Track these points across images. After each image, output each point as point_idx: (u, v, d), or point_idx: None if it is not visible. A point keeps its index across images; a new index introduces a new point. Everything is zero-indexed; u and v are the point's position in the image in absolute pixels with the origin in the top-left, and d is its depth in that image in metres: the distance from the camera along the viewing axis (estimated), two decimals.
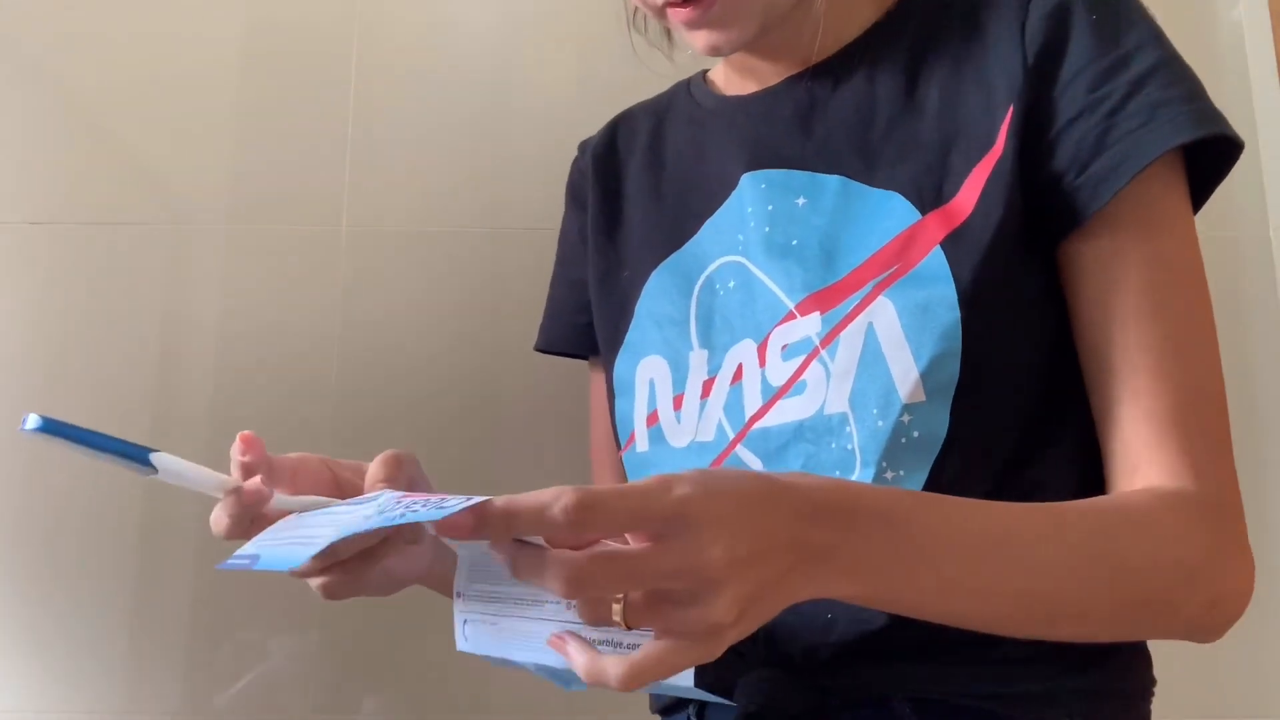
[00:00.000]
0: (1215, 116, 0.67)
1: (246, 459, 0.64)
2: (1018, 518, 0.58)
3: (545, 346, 0.97)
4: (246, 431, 0.65)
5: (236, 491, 0.62)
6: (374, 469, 0.67)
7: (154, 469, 0.58)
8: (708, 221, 0.80)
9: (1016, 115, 0.68)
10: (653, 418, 0.79)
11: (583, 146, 0.96)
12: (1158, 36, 0.68)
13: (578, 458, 1.09)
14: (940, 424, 0.65)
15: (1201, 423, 0.63)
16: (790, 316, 0.71)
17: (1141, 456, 0.63)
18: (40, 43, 1.18)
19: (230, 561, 0.53)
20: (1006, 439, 0.67)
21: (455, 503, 0.45)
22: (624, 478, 0.84)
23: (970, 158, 0.69)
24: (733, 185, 0.78)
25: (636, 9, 0.86)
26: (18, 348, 1.11)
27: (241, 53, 1.18)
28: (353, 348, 1.11)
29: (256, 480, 0.63)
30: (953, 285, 0.65)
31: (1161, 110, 0.65)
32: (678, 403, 0.77)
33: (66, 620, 1.06)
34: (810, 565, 0.50)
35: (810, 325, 0.70)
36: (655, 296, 0.81)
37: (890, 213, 0.70)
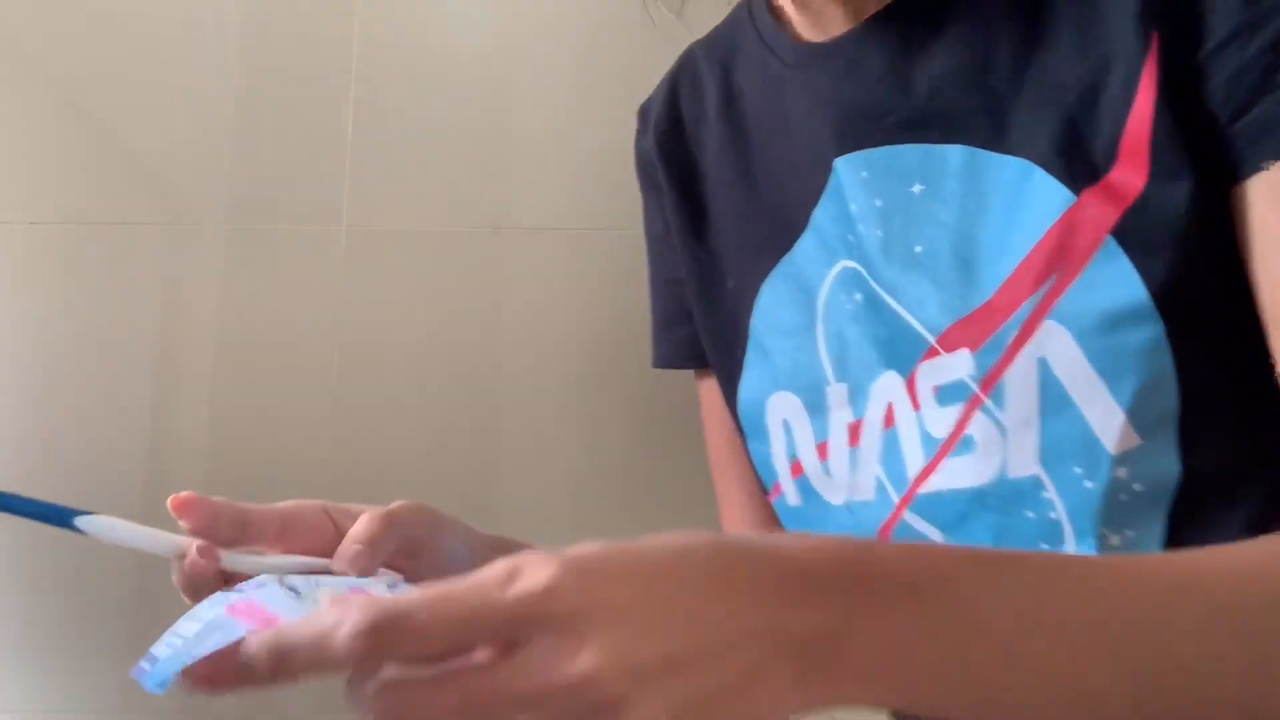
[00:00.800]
0: None
1: (186, 526, 0.53)
2: (1144, 579, 0.40)
3: (664, 363, 0.78)
4: (179, 495, 0.53)
5: (179, 559, 0.52)
6: (357, 528, 0.52)
7: (82, 532, 0.52)
8: (814, 212, 0.62)
9: (1163, 35, 0.49)
10: (797, 468, 0.64)
11: (643, 116, 0.76)
12: None
13: (577, 456, 1.09)
14: (1169, 468, 0.49)
15: None
16: (933, 352, 0.55)
17: None
18: (40, 42, 1.18)
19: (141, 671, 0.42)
20: (1255, 465, 0.50)
21: (235, 628, 0.37)
22: (756, 492, 0.71)
23: (1123, 104, 0.50)
24: (827, 171, 0.61)
25: None
26: (18, 347, 1.11)
27: (241, 53, 1.17)
28: (353, 348, 1.11)
29: (194, 549, 0.52)
30: (1143, 287, 0.48)
31: None
32: (823, 451, 0.62)
33: (66, 620, 1.06)
34: (797, 662, 0.35)
35: (961, 365, 0.54)
36: (771, 313, 0.64)
37: (1033, 194, 0.52)
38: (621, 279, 1.11)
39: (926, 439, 0.56)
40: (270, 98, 1.16)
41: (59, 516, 0.52)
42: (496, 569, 0.34)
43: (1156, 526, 0.50)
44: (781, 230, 0.64)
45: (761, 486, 0.68)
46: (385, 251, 1.13)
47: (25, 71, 1.18)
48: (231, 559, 0.51)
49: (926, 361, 0.55)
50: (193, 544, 0.51)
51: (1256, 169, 0.47)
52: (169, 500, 0.53)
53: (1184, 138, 0.48)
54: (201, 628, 0.40)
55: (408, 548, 0.54)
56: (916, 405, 0.56)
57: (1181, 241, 0.48)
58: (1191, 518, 0.50)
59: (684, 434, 1.08)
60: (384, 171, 1.15)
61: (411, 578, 0.53)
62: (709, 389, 0.74)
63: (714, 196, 0.70)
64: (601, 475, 1.09)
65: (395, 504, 0.54)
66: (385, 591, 0.45)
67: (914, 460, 0.57)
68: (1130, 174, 0.49)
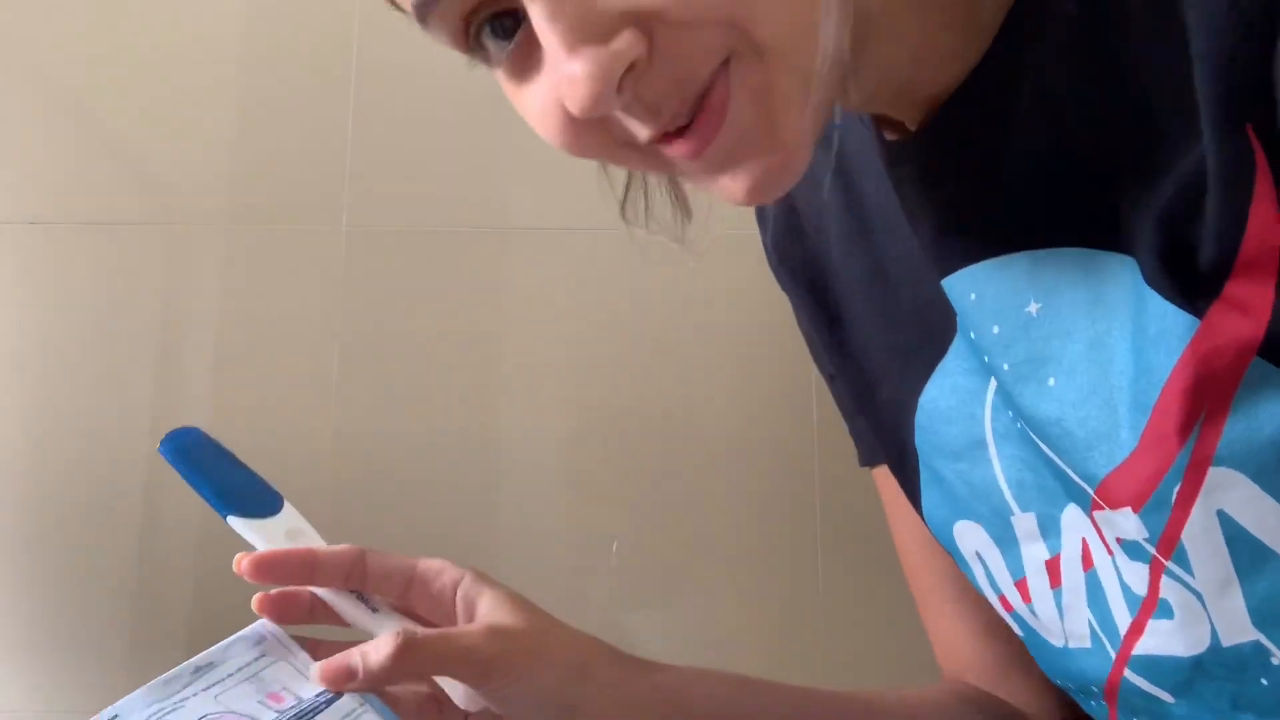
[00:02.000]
0: None
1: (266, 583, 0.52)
2: None
3: (866, 460, 0.69)
4: (252, 556, 0.53)
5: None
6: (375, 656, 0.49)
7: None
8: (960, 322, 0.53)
9: (1258, 126, 0.39)
10: (1004, 603, 0.57)
11: (759, 212, 0.68)
12: None
13: (577, 456, 1.09)
14: None
15: None
16: (1097, 505, 0.47)
17: None
18: (39, 42, 1.18)
19: None
20: None
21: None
22: (963, 594, 0.64)
23: (1233, 179, 0.40)
24: (933, 294, 0.53)
25: (627, 186, 0.56)
26: (17, 347, 1.11)
27: (241, 52, 1.17)
28: (353, 348, 1.11)
29: (254, 601, 0.54)
30: None
31: None
32: (1024, 590, 0.54)
33: (66, 620, 1.06)
34: None
35: (1130, 525, 0.46)
36: (934, 432, 0.56)
37: (1150, 313, 0.43)
38: (621, 279, 1.11)
39: (1127, 592, 0.48)
40: (270, 97, 1.16)
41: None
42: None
43: None
44: (929, 333, 0.54)
45: (970, 589, 0.60)
46: (385, 251, 1.13)
47: (25, 71, 1.18)
48: (324, 595, 0.52)
49: (1097, 513, 0.47)
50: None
51: None
52: (236, 563, 0.52)
53: None
54: None
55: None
56: (1110, 551, 0.48)
57: None
58: None
59: (684, 434, 1.08)
60: (384, 171, 1.15)
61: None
62: (888, 481, 0.65)
63: (847, 295, 0.61)
64: (601, 475, 1.09)
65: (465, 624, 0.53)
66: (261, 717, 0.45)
67: (1120, 614, 0.49)
68: (1257, 284, 0.40)
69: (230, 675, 0.47)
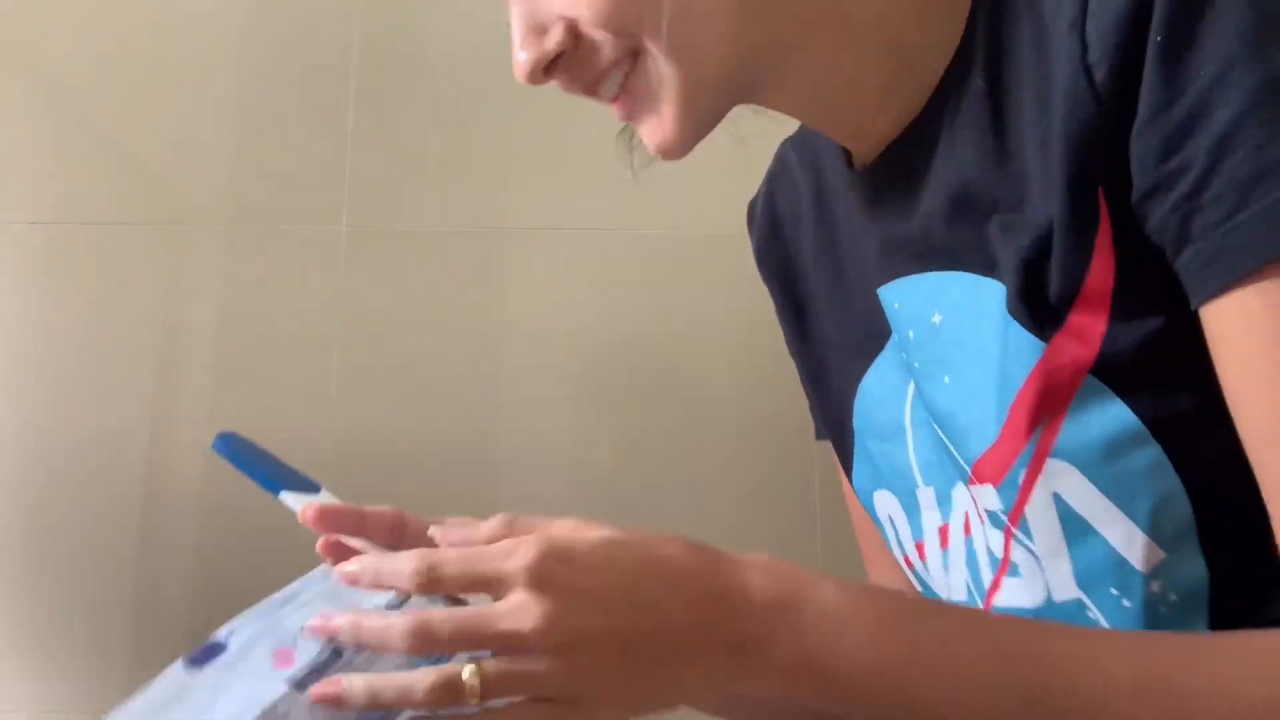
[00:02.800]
0: None
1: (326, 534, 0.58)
2: (1047, 647, 0.47)
3: (819, 434, 0.80)
4: (315, 506, 0.58)
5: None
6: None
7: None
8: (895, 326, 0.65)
9: (1108, 190, 0.50)
10: (908, 561, 0.68)
11: (749, 215, 0.80)
12: (1255, 42, 0.45)
13: (576, 455, 1.09)
14: (1198, 575, 0.51)
15: None
16: (972, 482, 0.58)
17: None
18: (40, 43, 1.18)
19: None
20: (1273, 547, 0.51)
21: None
22: (890, 559, 0.73)
23: (1080, 258, 0.51)
24: (877, 300, 0.64)
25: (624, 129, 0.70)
26: (17, 347, 1.11)
27: (241, 52, 1.18)
28: (353, 348, 1.11)
29: (319, 544, 0.59)
30: (1133, 415, 0.50)
31: (1257, 191, 0.45)
32: (920, 551, 0.65)
33: (66, 620, 1.06)
34: (726, 657, 0.46)
35: (990, 498, 0.56)
36: (867, 415, 0.68)
37: (1012, 337, 0.54)
38: (621, 279, 1.11)
39: (990, 555, 0.59)
40: (270, 98, 1.16)
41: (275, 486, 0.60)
42: (502, 544, 0.47)
43: (1201, 629, 0.52)
44: (872, 335, 0.66)
45: None
46: (385, 251, 1.13)
47: (25, 71, 1.18)
48: (361, 546, 0.58)
49: (972, 487, 0.58)
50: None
51: (1204, 300, 0.48)
52: (301, 514, 0.58)
53: (1145, 269, 0.49)
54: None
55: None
56: (982, 520, 0.59)
57: (1161, 370, 0.50)
58: (1232, 616, 0.51)
59: (684, 433, 1.08)
60: (384, 171, 1.15)
61: None
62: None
63: (813, 296, 0.73)
64: (600, 474, 1.09)
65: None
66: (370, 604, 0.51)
67: (986, 573, 0.60)
68: (1093, 318, 0.51)
69: (313, 599, 0.55)
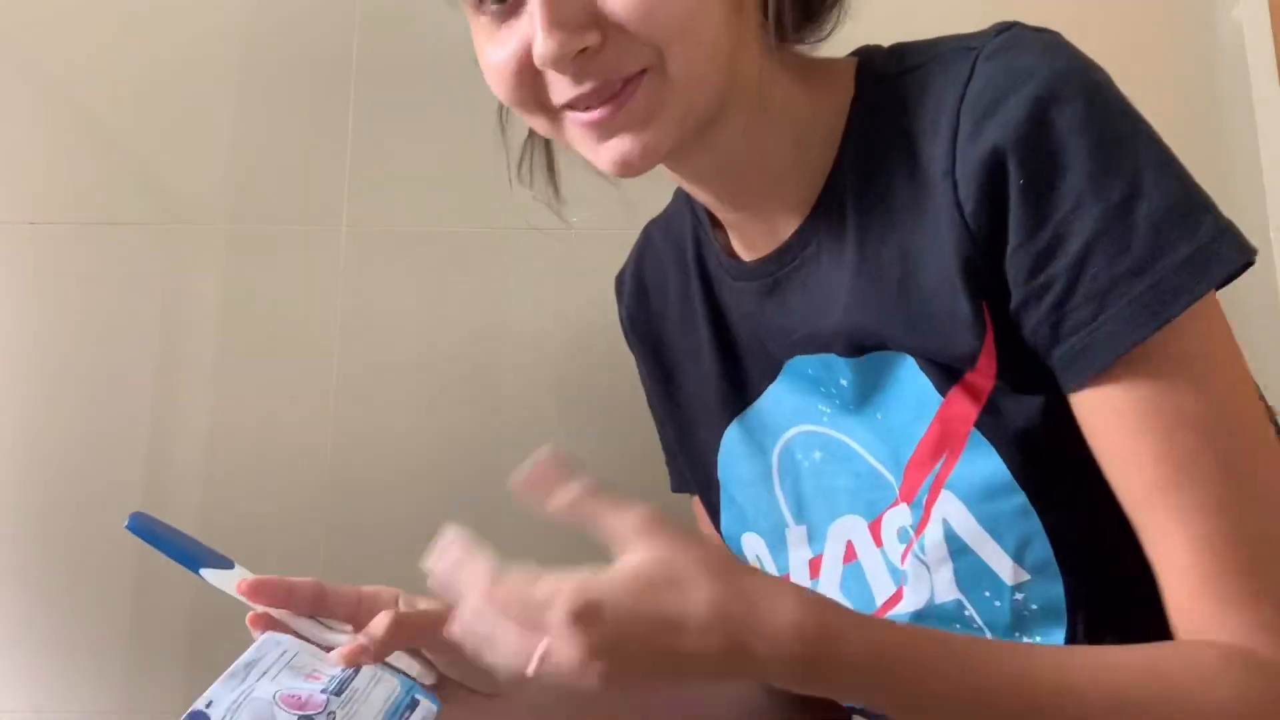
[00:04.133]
0: (1178, 287, 0.55)
1: (261, 604, 0.63)
2: (1037, 664, 0.54)
3: (675, 488, 0.90)
4: (249, 580, 0.63)
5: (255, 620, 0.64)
6: (371, 625, 0.63)
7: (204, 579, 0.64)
8: (769, 388, 0.73)
9: (989, 298, 0.60)
10: None
11: (618, 285, 0.89)
12: (1098, 180, 0.56)
13: (577, 454, 1.09)
14: (1055, 594, 0.61)
15: (1271, 576, 0.55)
16: (896, 502, 0.67)
17: (1200, 625, 0.55)
18: (40, 42, 1.18)
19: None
20: (1126, 583, 0.60)
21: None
22: None
23: (973, 328, 0.60)
24: (777, 367, 0.72)
25: (524, 149, 0.77)
26: (17, 347, 1.11)
27: (241, 52, 1.17)
28: (353, 348, 1.11)
29: (248, 618, 0.63)
30: (1005, 468, 0.60)
31: (1112, 298, 0.55)
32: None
33: (66, 620, 1.06)
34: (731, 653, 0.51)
35: (904, 515, 0.66)
36: (731, 466, 0.77)
37: (918, 387, 0.64)
38: None
39: (893, 570, 0.67)
40: (270, 97, 1.16)
41: (192, 563, 0.64)
42: (538, 591, 0.50)
43: (1058, 633, 0.61)
44: (736, 396, 0.75)
45: None
46: (385, 251, 1.13)
47: (25, 71, 1.18)
48: (296, 623, 0.63)
49: (892, 509, 0.67)
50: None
51: (1074, 388, 0.58)
52: (237, 585, 0.63)
53: (1023, 360, 0.59)
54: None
55: (434, 645, 0.64)
56: (879, 543, 0.68)
57: (1032, 435, 0.59)
58: (1086, 625, 0.61)
59: None
60: (384, 171, 1.15)
61: (446, 669, 0.66)
62: (700, 507, 0.85)
63: (678, 361, 0.81)
64: (601, 475, 1.09)
65: (414, 609, 0.65)
66: (315, 690, 0.57)
67: (882, 587, 0.68)
68: (983, 379, 0.61)
69: (272, 665, 0.58)
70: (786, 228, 0.68)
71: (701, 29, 0.58)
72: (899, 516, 0.66)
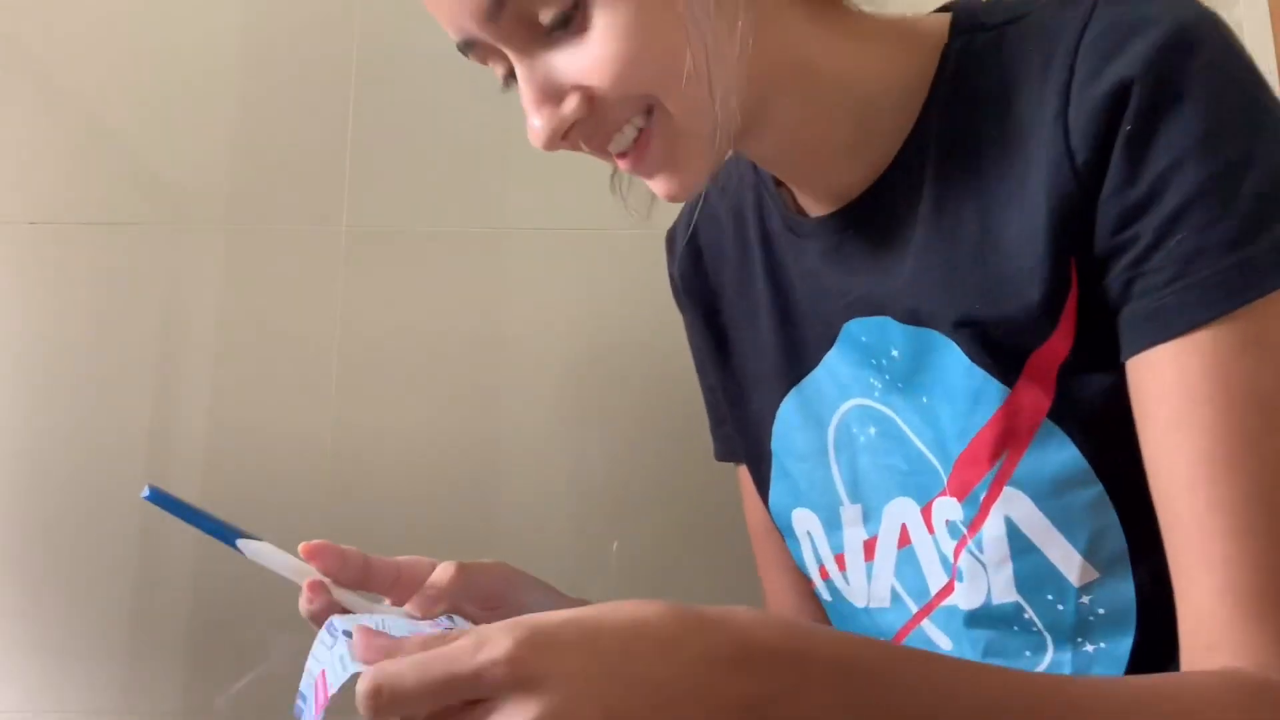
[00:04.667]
0: (1271, 267, 0.51)
1: (317, 568, 0.59)
2: (1034, 692, 0.48)
3: (720, 457, 0.87)
4: (309, 543, 0.59)
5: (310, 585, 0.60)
6: (433, 576, 0.60)
7: (241, 552, 0.61)
8: (827, 355, 0.70)
9: (1079, 261, 0.56)
10: (823, 571, 0.73)
11: (669, 243, 0.85)
12: (1206, 141, 0.52)
13: (577, 456, 1.09)
14: (1125, 595, 0.58)
15: None
16: (944, 492, 0.63)
17: (1219, 635, 0.51)
18: (40, 43, 1.18)
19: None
20: None
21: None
22: (793, 568, 0.78)
23: (1050, 302, 0.57)
24: (836, 329, 0.68)
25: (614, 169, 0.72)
26: (17, 347, 1.11)
27: (241, 53, 1.17)
28: (352, 348, 1.11)
29: (306, 584, 0.59)
30: (1081, 457, 0.57)
31: (1196, 266, 0.52)
32: (840, 562, 0.71)
33: (66, 620, 1.07)
34: None
35: (954, 509, 0.63)
36: (786, 437, 0.73)
37: (969, 379, 0.60)
38: (621, 279, 1.11)
39: (945, 561, 0.65)
40: (270, 98, 1.16)
41: (227, 536, 0.60)
42: (466, 639, 0.42)
43: (1125, 640, 0.58)
44: (794, 364, 0.72)
45: (796, 565, 0.77)
46: (385, 251, 1.13)
47: (25, 71, 1.18)
48: (340, 594, 0.60)
49: (940, 498, 0.64)
50: (314, 574, 0.59)
51: (1137, 350, 0.54)
52: (300, 547, 0.60)
53: (1103, 329, 0.56)
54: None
55: (487, 601, 0.61)
56: (931, 530, 0.65)
57: (1110, 417, 0.56)
58: (1154, 632, 0.57)
59: (684, 435, 1.08)
60: (384, 171, 1.15)
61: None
62: (747, 478, 0.82)
63: (733, 325, 0.78)
64: (601, 475, 1.09)
65: (476, 561, 0.62)
66: (429, 629, 0.53)
67: (934, 576, 0.66)
68: (1058, 348, 0.57)
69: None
70: (857, 186, 0.65)
71: (681, 65, 0.55)
72: (947, 509, 0.63)
